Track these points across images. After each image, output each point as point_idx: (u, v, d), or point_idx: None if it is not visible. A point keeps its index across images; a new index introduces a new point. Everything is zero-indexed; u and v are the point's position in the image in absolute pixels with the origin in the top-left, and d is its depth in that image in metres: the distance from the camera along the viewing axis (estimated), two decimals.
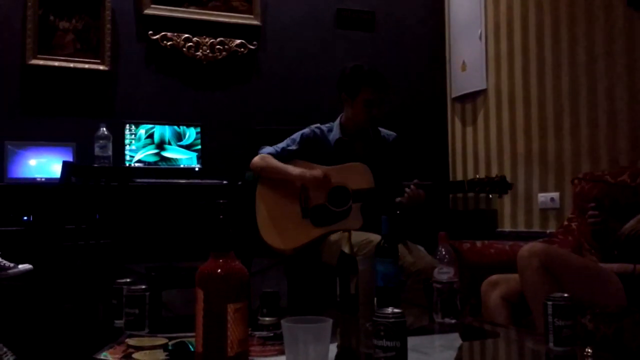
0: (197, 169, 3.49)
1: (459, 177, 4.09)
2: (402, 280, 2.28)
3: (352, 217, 2.65)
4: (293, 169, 2.71)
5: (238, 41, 3.79)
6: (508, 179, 2.58)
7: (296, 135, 2.82)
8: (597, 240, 2.32)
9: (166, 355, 1.34)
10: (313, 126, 2.85)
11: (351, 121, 2.80)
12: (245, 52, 3.81)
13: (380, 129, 2.90)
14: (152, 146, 3.43)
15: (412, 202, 2.58)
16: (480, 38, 3.86)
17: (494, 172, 3.64)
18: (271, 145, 2.83)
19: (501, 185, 2.50)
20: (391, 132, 2.92)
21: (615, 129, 2.95)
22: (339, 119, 2.86)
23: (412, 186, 2.57)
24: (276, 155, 2.77)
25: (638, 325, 1.86)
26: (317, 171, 2.67)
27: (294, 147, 2.79)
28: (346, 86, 2.76)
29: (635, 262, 2.13)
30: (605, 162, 2.98)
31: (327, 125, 2.86)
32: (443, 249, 1.77)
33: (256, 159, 2.79)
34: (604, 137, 3.01)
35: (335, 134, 2.81)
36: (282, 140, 2.85)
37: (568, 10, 3.22)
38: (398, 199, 2.63)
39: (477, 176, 2.57)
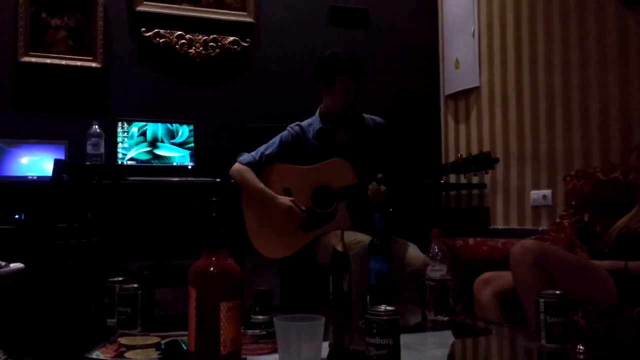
0: (190, 167, 3.49)
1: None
2: (395, 279, 2.28)
3: (340, 218, 2.61)
4: (268, 195, 2.67)
5: (231, 38, 3.78)
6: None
7: (275, 139, 2.78)
8: (584, 242, 2.33)
9: (159, 354, 1.33)
10: (293, 125, 2.82)
11: (330, 110, 2.76)
12: (239, 49, 3.81)
13: (365, 115, 2.84)
14: (145, 144, 3.42)
15: (374, 199, 2.56)
16: (473, 35, 3.87)
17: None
18: (249, 151, 2.80)
19: (487, 161, 2.37)
20: (377, 118, 2.87)
21: (607, 126, 2.96)
22: (318, 109, 2.82)
23: (373, 183, 2.55)
24: (255, 163, 2.73)
25: (629, 322, 1.87)
26: (286, 202, 2.63)
27: (273, 152, 2.75)
28: (323, 75, 2.72)
29: (627, 259, 2.14)
30: (597, 160, 2.99)
31: (307, 120, 2.83)
32: (436, 247, 1.78)
33: (235, 172, 2.75)
34: (596, 135, 3.02)
35: (315, 126, 2.78)
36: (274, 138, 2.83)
37: (560, 7, 3.23)
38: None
39: (460, 155, 2.47)
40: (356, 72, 2.67)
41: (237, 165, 2.75)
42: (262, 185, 2.69)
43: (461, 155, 2.45)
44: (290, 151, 2.76)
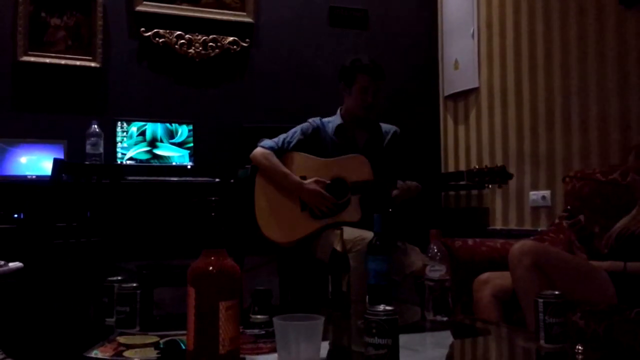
0: (189, 167, 3.49)
1: None
2: (395, 281, 2.29)
3: (351, 209, 2.67)
4: (293, 179, 2.72)
5: (231, 38, 3.78)
6: None
7: (296, 129, 2.86)
8: (583, 244, 2.34)
9: (157, 353, 1.33)
10: (314, 118, 2.90)
11: (349, 111, 2.84)
12: (238, 49, 3.81)
13: (381, 124, 2.93)
14: (144, 144, 3.42)
15: (406, 195, 2.61)
16: (472, 36, 3.87)
17: None
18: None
19: (501, 175, 2.44)
20: (391, 126, 2.97)
21: (606, 127, 2.96)
22: (339, 110, 2.91)
23: (400, 182, 2.59)
24: (277, 149, 2.79)
25: (628, 322, 1.87)
26: (314, 187, 2.68)
27: (294, 140, 2.81)
28: (344, 76, 2.83)
29: (626, 260, 2.14)
30: (596, 160, 3.00)
31: (327, 118, 2.91)
32: (435, 247, 1.78)
33: (258, 155, 2.80)
34: (595, 135, 3.02)
35: (335, 123, 2.86)
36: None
37: (560, 8, 3.23)
38: (394, 192, 2.64)
39: (476, 166, 2.53)
40: (374, 72, 2.78)
41: (260, 149, 2.81)
42: (287, 170, 2.75)
43: (476, 166, 2.50)
44: (310, 142, 2.82)
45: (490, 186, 2.54)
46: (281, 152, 2.79)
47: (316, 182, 2.70)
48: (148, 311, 2.24)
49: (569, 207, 2.53)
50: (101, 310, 1.70)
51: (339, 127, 2.83)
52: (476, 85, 3.84)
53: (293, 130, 2.85)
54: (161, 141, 3.45)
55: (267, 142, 2.82)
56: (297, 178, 2.73)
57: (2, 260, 2.40)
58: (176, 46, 3.66)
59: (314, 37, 3.99)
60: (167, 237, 3.33)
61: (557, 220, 2.84)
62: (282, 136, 2.84)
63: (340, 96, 2.89)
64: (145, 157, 3.42)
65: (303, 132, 2.83)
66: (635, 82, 2.83)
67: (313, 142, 2.82)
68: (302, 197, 2.71)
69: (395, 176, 2.65)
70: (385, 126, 2.94)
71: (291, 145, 2.81)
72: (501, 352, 1.66)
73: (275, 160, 2.77)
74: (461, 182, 2.65)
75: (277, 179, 2.76)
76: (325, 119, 2.90)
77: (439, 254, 1.76)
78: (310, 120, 2.88)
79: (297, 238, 2.70)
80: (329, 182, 2.71)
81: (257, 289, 1.65)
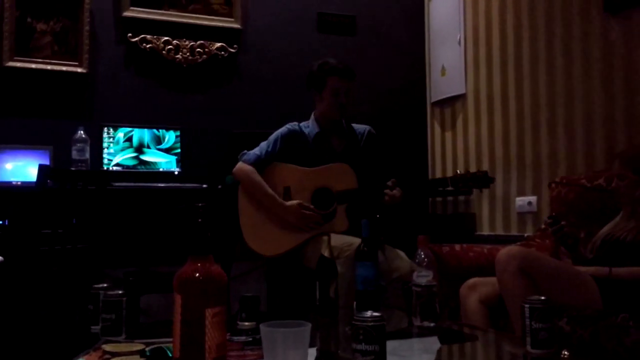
0: (176, 173, 3.47)
1: None
2: (382, 286, 2.29)
3: (338, 220, 2.65)
4: (276, 201, 2.68)
5: (218, 44, 3.78)
6: None
7: (275, 136, 2.80)
8: (568, 249, 2.35)
9: None
10: (291, 123, 2.86)
11: (323, 115, 2.82)
12: (226, 55, 3.80)
13: (353, 125, 2.91)
14: (131, 149, 3.40)
15: (391, 202, 2.60)
16: (459, 43, 3.89)
17: None
18: (250, 150, 2.81)
19: (483, 180, 2.48)
20: (364, 126, 2.94)
21: (591, 133, 2.99)
22: (312, 114, 2.88)
23: (387, 189, 2.59)
24: (260, 162, 2.74)
25: (613, 328, 1.88)
26: (297, 209, 2.64)
27: (275, 148, 2.77)
28: (314, 81, 2.80)
29: (611, 265, 2.16)
30: (581, 166, 3.02)
31: (303, 122, 2.88)
32: (422, 253, 1.78)
33: (241, 173, 2.75)
34: (580, 141, 3.05)
35: (312, 129, 2.83)
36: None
37: (545, 15, 3.26)
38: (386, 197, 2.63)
39: (458, 171, 2.57)
40: (345, 72, 2.76)
41: (242, 166, 2.76)
42: (271, 192, 2.69)
43: (459, 171, 2.54)
44: (290, 148, 2.78)
45: (473, 190, 2.57)
46: (264, 164, 2.75)
47: (299, 204, 2.65)
48: (134, 318, 2.22)
49: (553, 213, 2.55)
50: (86, 318, 1.69)
51: (317, 135, 2.80)
52: (463, 91, 3.87)
53: (273, 137, 2.80)
54: (148, 147, 3.44)
55: (250, 156, 2.76)
56: (280, 200, 2.67)
57: None
58: (163, 52, 3.65)
59: (302, 43, 4.00)
60: (154, 243, 3.31)
61: (543, 226, 2.86)
62: (263, 146, 2.78)
63: (306, 100, 2.87)
64: (132, 163, 3.40)
65: (282, 138, 2.78)
66: (620, 87, 2.86)
67: (293, 148, 2.78)
68: (286, 219, 2.66)
69: (380, 181, 2.64)
70: (357, 127, 2.91)
71: (273, 155, 2.76)
72: (488, 357, 1.66)
73: (257, 179, 2.71)
74: (448, 189, 2.69)
75: (260, 199, 2.72)
76: (303, 124, 2.87)
77: (426, 259, 1.77)
78: (288, 125, 2.84)
79: (285, 251, 2.68)
80: (311, 195, 2.67)
81: (244, 296, 1.64)
